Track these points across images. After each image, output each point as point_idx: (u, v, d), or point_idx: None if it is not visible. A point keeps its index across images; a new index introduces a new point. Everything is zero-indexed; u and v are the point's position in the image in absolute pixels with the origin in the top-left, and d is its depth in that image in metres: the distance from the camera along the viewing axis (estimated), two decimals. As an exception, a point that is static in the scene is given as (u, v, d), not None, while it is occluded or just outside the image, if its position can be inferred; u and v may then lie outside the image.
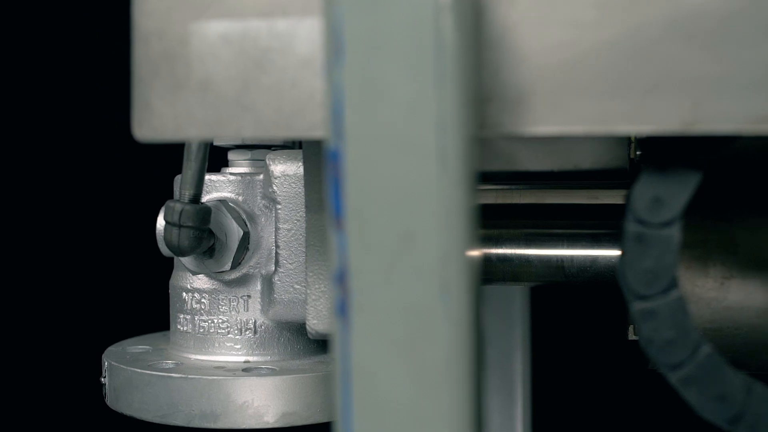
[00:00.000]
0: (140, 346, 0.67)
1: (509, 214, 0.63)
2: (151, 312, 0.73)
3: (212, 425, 0.58)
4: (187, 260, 0.61)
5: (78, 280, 1.26)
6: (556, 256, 0.61)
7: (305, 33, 0.41)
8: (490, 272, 0.63)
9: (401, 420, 0.36)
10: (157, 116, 0.45)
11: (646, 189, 0.43)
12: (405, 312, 0.36)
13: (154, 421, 0.59)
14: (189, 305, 0.63)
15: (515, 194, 0.62)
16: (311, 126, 0.41)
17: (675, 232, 0.42)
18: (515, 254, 0.61)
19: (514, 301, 0.88)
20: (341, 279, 0.36)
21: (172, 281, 0.65)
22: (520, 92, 0.41)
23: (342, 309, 0.36)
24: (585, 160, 0.65)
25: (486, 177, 0.86)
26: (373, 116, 0.35)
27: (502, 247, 0.62)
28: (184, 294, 0.63)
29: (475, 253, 0.37)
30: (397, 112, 0.35)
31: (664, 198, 0.42)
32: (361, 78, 0.36)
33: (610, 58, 0.40)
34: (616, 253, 0.60)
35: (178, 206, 0.56)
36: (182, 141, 0.44)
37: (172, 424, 0.59)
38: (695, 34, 0.39)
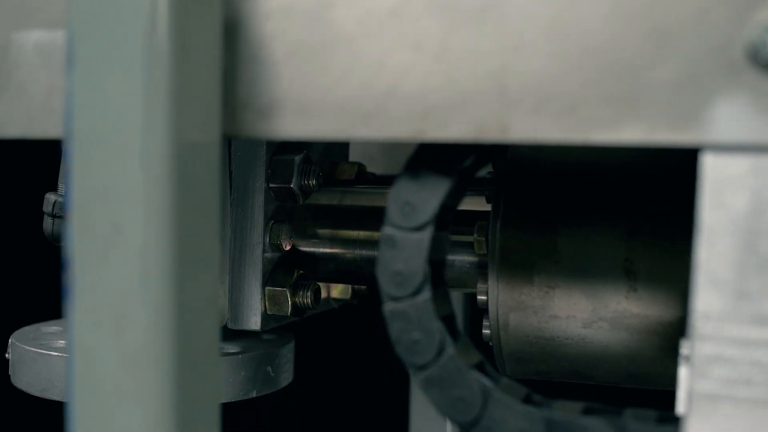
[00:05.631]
0: (53, 327, 0.73)
1: (377, 218, 0.65)
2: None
3: (82, 401, 0.63)
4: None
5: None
6: (414, 260, 0.63)
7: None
8: (357, 273, 0.66)
9: (111, 395, 0.40)
10: (-15, 116, 0.50)
11: (399, 194, 0.44)
12: (114, 297, 0.39)
13: (37, 395, 0.64)
14: (86, 291, 0.69)
15: (382, 198, 0.65)
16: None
17: (425, 237, 0.44)
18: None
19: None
20: (68, 265, 0.40)
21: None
22: (271, 101, 0.43)
23: (68, 292, 0.40)
24: None
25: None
26: (93, 121, 0.39)
27: (366, 250, 0.64)
28: (82, 280, 0.69)
29: (190, 246, 0.40)
30: (112, 118, 0.39)
31: (415, 203, 0.44)
32: (86, 86, 0.39)
33: (348, 67, 0.42)
34: (471, 258, 0.62)
35: (52, 198, 0.61)
36: (4, 139, 0.49)
37: (50, 398, 0.64)
38: (422, 45, 0.41)
